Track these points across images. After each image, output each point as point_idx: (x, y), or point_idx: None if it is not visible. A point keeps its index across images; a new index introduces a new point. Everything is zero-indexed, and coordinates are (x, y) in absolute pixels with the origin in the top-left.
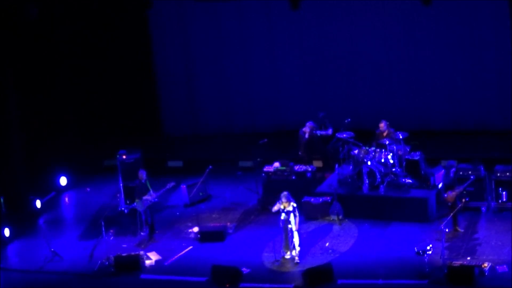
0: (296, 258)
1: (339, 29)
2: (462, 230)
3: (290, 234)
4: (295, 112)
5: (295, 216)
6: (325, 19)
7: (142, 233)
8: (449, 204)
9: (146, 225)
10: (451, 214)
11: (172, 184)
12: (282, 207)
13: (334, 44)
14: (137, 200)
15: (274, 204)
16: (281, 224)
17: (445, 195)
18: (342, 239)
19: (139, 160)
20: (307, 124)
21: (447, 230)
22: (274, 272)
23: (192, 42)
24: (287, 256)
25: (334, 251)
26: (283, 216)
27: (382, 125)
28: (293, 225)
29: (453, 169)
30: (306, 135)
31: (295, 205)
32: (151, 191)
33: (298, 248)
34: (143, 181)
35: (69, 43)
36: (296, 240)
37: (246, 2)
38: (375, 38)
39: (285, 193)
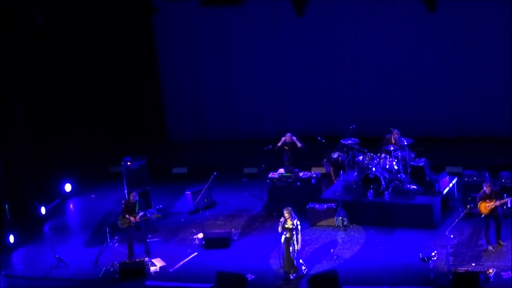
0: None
1: (344, 35)
2: (505, 244)
3: (292, 253)
4: (300, 119)
5: (297, 234)
6: (330, 25)
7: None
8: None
9: (127, 242)
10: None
11: (153, 217)
12: (284, 223)
13: (339, 51)
14: (120, 217)
15: (279, 220)
16: (282, 241)
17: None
18: (347, 245)
19: (144, 167)
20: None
21: (490, 247)
22: (279, 278)
23: (197, 47)
24: (290, 276)
25: (339, 257)
26: (283, 238)
27: (396, 135)
28: (295, 244)
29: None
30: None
31: (298, 222)
32: (137, 213)
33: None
34: (132, 201)
35: (75, 51)
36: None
37: (251, 8)
38: (380, 44)
39: (289, 208)
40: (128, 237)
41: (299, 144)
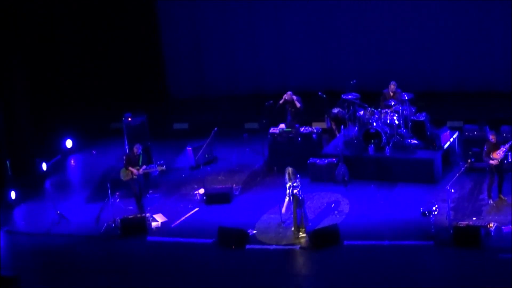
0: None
1: None
2: (506, 198)
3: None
4: (301, 74)
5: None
6: None
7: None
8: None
9: (134, 196)
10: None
11: (156, 171)
12: (289, 183)
13: (340, 6)
14: (122, 170)
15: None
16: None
17: (489, 160)
18: (348, 200)
19: (145, 123)
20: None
21: (491, 201)
22: (280, 233)
23: (198, 4)
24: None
25: (340, 213)
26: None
27: (393, 86)
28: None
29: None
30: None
31: (295, 184)
32: (141, 166)
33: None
34: (136, 154)
35: (76, 6)
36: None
37: None
38: None
39: (289, 169)
40: (133, 190)
41: (298, 104)
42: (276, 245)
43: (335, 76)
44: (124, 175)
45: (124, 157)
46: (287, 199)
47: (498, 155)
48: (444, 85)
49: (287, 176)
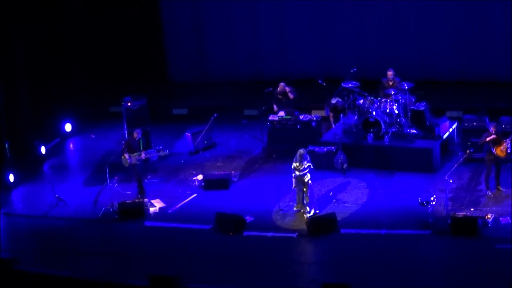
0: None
1: None
2: (504, 189)
3: (303, 193)
4: (301, 61)
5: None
6: None
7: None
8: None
9: (137, 181)
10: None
11: (155, 156)
12: (294, 164)
13: None
14: (123, 156)
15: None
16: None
17: (493, 149)
18: (346, 188)
19: (144, 107)
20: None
21: (489, 192)
22: (277, 220)
23: None
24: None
25: (338, 201)
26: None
27: (390, 73)
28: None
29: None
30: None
31: (308, 164)
32: (142, 151)
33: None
34: (136, 139)
35: None
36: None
37: None
38: None
39: (301, 151)
40: (136, 175)
41: (291, 96)
42: (274, 232)
43: (335, 63)
44: (125, 161)
45: (123, 142)
46: (293, 179)
47: (503, 151)
48: (444, 74)
49: (295, 158)
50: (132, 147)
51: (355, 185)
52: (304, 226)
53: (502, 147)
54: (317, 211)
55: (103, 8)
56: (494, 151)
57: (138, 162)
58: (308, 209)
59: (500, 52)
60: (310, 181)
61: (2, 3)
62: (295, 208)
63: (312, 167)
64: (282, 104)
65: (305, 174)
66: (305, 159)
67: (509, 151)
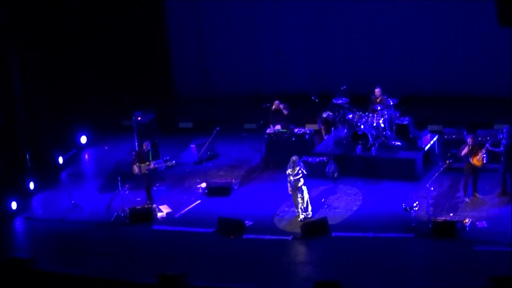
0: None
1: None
2: (480, 196)
3: (298, 198)
4: (297, 78)
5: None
6: None
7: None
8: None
9: (145, 189)
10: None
11: (162, 166)
12: (288, 170)
13: (334, 16)
14: (134, 166)
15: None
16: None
17: (470, 159)
18: (337, 195)
19: (153, 121)
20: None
21: (467, 199)
22: (274, 225)
23: (204, 6)
24: (301, 215)
25: (329, 206)
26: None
27: (377, 90)
28: (303, 190)
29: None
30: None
31: (300, 170)
32: (151, 161)
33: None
34: (146, 150)
35: (86, 5)
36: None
37: None
38: (371, 8)
39: (293, 157)
40: (145, 184)
41: (285, 112)
42: (271, 235)
43: (327, 81)
44: (135, 170)
45: (133, 153)
46: (288, 185)
47: (479, 161)
48: (426, 91)
49: (289, 164)
50: (142, 158)
51: (345, 192)
52: (298, 230)
53: (478, 157)
54: (309, 215)
55: (114, 30)
56: (471, 160)
57: (147, 172)
58: (301, 212)
59: (479, 70)
60: (304, 186)
61: (23, 21)
62: (296, 212)
63: (305, 172)
64: (278, 119)
65: (299, 179)
66: (298, 165)
67: (485, 161)
